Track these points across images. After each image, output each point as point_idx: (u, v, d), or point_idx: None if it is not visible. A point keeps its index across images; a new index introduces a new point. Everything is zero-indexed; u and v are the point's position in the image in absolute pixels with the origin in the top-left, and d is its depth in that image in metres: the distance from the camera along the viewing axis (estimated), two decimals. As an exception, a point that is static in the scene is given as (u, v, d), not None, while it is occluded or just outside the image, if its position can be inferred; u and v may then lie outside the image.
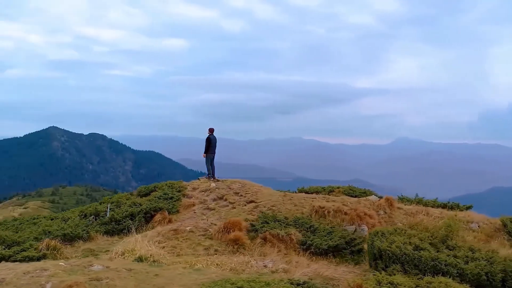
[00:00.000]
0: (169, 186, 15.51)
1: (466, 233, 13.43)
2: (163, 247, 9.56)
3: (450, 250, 9.05)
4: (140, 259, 8.18)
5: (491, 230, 14.16)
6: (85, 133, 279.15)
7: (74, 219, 13.60)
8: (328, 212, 12.99)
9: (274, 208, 13.34)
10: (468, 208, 17.48)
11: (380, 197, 15.87)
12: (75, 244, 10.45)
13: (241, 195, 14.50)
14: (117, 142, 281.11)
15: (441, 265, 7.87)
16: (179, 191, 14.99)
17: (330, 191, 16.88)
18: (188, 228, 10.75)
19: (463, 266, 7.94)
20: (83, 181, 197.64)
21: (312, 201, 13.85)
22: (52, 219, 15.40)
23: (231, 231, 9.99)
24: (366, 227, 12.61)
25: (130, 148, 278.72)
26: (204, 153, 16.28)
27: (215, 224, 11.58)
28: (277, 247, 9.62)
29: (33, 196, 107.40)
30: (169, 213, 13.49)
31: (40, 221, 15.58)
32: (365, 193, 16.52)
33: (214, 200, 14.35)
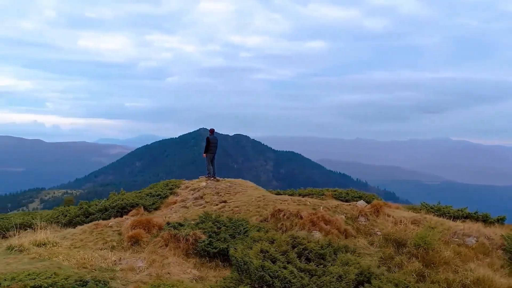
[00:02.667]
0: (165, 185, 16.02)
1: (448, 248, 11.49)
2: (72, 239, 10.08)
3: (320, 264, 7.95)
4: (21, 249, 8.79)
5: (493, 247, 11.92)
6: (231, 134, 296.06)
7: (68, 211, 14.77)
8: (284, 215, 12.22)
9: (237, 208, 13.02)
10: (499, 220, 14.84)
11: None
12: (21, 233, 11.43)
13: (220, 195, 14.39)
14: (259, 142, 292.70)
15: (267, 276, 7.01)
16: (170, 189, 15.42)
17: (321, 194, 15.71)
18: (110, 224, 11.10)
19: (292, 279, 6.95)
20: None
21: (281, 203, 13.14)
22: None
23: (136, 228, 10.08)
24: (318, 233, 11.56)
25: (271, 148, 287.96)
26: (204, 153, 16.47)
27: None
28: (169, 247, 9.44)
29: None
30: (146, 209, 14.01)
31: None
32: (360, 198, 15.04)
33: (196, 199, 14.48)
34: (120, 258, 8.71)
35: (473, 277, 10.12)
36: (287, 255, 7.93)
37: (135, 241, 9.68)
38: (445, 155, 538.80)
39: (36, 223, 11.38)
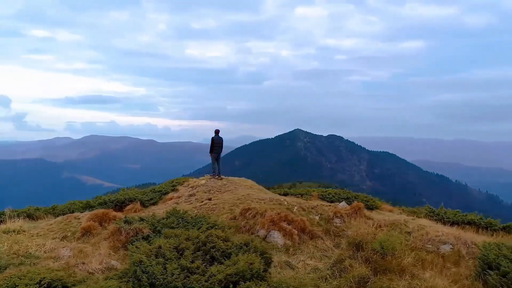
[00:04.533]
0: (170, 182, 16.52)
1: (410, 254, 10.52)
2: (42, 229, 10.90)
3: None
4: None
5: (470, 256, 10.74)
6: (325, 134, 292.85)
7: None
8: (250, 214, 12.03)
9: (215, 206, 13.11)
10: (506, 228, 13.16)
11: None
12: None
13: (210, 193, 14.54)
14: (353, 143, 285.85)
15: (139, 270, 7.02)
16: (173, 186, 15.88)
17: (306, 193, 15.04)
18: (79, 216, 11.75)
19: (159, 275, 6.86)
20: (322, 178, 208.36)
21: (257, 202, 12.93)
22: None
23: (91, 221, 10.59)
24: (277, 233, 11.20)
25: (365, 148, 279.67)
26: (210, 152, 16.69)
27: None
28: (110, 239, 9.79)
29: (275, 189, 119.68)
30: (143, 204, 14.62)
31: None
32: (347, 199, 14.20)
33: (190, 196, 14.77)
34: (57, 247, 9.25)
35: (424, 287, 9.23)
36: (183, 252, 7.85)
37: (86, 233, 10.22)
38: None
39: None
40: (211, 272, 7.13)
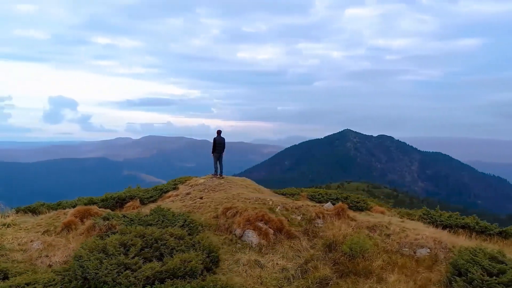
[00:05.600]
0: (173, 180, 16.80)
1: (383, 257, 10.15)
2: (32, 223, 11.45)
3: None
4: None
5: (448, 260, 10.20)
6: (375, 135, 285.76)
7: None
8: (230, 213, 12.02)
9: (202, 204, 13.24)
10: (501, 233, 12.32)
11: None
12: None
13: (204, 192, 14.66)
14: (404, 143, 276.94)
15: (76, 264, 7.24)
16: (174, 185, 16.16)
17: (295, 193, 14.70)
18: (70, 212, 12.18)
19: (92, 270, 7.04)
20: (371, 178, 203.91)
21: (243, 201, 12.89)
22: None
23: (72, 216, 10.99)
24: (252, 232, 11.11)
25: (417, 149, 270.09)
26: (212, 152, 16.80)
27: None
28: (85, 234, 10.12)
29: (323, 189, 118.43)
30: (142, 202, 14.99)
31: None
32: (336, 199, 13.79)
33: (187, 194, 14.96)
34: (32, 240, 9.71)
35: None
36: (128, 248, 8.02)
37: (65, 227, 10.63)
38: None
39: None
40: (143, 269, 7.22)
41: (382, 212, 13.62)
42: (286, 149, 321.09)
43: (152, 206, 14.61)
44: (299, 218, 12.18)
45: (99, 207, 14.40)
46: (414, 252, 10.50)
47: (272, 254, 10.64)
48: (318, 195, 14.36)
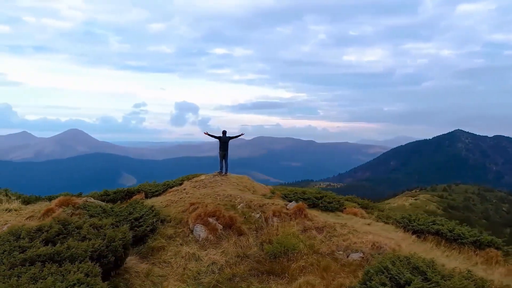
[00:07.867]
0: (182, 177, 17.49)
1: (308, 259, 9.69)
2: (30, 209, 12.97)
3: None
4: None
5: None
6: (490, 135, 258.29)
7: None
8: (193, 207, 12.30)
9: (180, 199, 13.68)
10: (475, 242, 10.82)
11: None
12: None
13: (195, 188, 15.08)
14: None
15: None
16: (181, 181, 16.86)
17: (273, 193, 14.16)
18: (53, 201, 13.39)
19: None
20: (485, 181, 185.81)
21: (211, 198, 13.08)
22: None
23: (55, 205, 12.20)
24: (201, 226, 11.27)
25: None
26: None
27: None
28: (41, 219, 11.25)
29: (427, 190, 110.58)
30: (147, 195, 15.96)
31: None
32: (307, 199, 13.12)
33: (184, 190, 15.54)
34: (7, 222, 11.11)
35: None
36: (42, 233, 8.82)
37: (45, 214, 11.90)
38: None
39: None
40: (32, 252, 7.88)
41: (355, 214, 12.70)
42: (392, 149, 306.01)
43: (154, 199, 15.48)
44: (257, 216, 12.00)
45: (111, 199, 15.67)
46: (347, 256, 9.77)
47: (214, 248, 10.69)
48: (293, 195, 13.85)
